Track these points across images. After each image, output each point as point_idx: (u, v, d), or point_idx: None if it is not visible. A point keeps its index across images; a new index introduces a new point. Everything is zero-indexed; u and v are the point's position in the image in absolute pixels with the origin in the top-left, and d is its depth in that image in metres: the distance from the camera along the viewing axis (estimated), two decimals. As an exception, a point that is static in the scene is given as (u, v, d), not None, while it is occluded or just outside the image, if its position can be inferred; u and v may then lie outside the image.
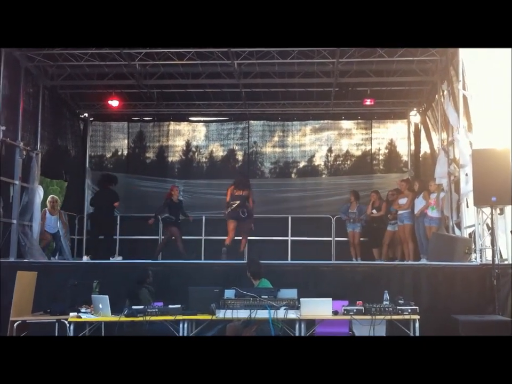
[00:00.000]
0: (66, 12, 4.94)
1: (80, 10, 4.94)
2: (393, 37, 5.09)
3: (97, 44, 6.09)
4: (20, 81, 10.47)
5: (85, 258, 10.31)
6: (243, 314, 6.16)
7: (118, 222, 12.13)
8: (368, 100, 12.04)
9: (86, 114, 13.76)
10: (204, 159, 14.06)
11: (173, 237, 10.80)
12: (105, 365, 4.23)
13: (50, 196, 11.73)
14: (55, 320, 6.52)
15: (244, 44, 5.64)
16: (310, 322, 6.35)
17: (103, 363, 4.24)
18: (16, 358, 4.22)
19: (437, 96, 10.98)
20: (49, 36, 5.07)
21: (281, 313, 6.08)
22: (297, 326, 6.11)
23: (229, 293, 6.50)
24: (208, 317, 6.19)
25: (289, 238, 11.80)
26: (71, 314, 6.24)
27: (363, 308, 6.18)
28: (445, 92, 10.02)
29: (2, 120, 9.65)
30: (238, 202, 9.81)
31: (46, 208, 11.13)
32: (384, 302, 6.28)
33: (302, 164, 13.89)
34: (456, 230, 9.28)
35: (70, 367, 4.20)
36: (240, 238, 10.15)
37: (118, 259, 10.42)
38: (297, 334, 6.09)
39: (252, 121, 13.86)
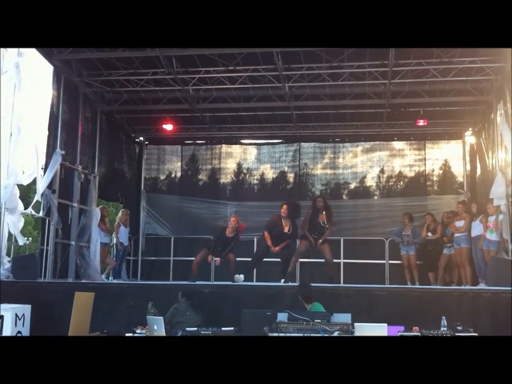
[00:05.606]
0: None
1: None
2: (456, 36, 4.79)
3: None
4: (79, 106, 10.85)
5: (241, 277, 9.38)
6: (296, 338, 6.11)
7: (172, 243, 12.28)
8: (421, 121, 11.84)
9: (142, 138, 14.17)
10: (255, 181, 14.18)
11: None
12: (106, 365, 4.14)
13: (123, 209, 12.05)
14: (111, 341, 6.58)
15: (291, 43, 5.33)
16: (365, 348, 6.22)
17: (102, 363, 4.15)
18: (16, 358, 4.15)
19: (492, 115, 10.72)
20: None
21: (334, 338, 5.99)
22: (351, 351, 6.00)
23: (282, 316, 6.44)
24: (261, 340, 6.17)
25: (342, 261, 11.65)
26: (127, 335, 6.33)
27: (420, 333, 6.01)
28: (501, 112, 9.78)
29: (62, 145, 9.98)
30: None
31: (120, 222, 11.42)
32: (442, 328, 6.06)
33: (353, 185, 13.79)
34: (516, 253, 8.96)
35: (69, 366, 4.13)
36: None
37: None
38: (351, 360, 5.98)
39: (303, 143, 13.91)
